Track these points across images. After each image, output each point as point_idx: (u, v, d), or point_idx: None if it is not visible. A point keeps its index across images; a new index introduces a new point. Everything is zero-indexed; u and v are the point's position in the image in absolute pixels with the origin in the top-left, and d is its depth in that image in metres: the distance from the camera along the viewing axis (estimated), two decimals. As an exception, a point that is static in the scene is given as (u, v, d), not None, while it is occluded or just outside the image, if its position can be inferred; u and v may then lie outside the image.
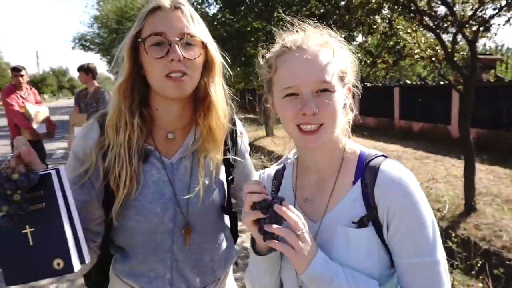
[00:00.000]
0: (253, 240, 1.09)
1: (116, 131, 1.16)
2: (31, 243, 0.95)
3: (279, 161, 1.28)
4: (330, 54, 1.00)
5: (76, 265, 0.99)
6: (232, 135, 1.40)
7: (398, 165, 1.03)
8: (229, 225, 1.46)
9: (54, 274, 0.97)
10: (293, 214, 0.94)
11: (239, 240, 1.52)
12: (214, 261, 1.34)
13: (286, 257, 1.10)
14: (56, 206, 0.96)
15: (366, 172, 1.03)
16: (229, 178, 1.39)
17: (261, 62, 1.11)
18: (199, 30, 1.16)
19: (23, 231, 0.95)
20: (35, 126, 5.68)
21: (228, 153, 1.36)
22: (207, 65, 1.21)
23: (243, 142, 1.46)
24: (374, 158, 1.05)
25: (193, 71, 1.15)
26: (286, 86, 0.99)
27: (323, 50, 0.99)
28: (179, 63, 1.10)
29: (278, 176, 1.23)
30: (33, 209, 0.94)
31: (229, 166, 1.39)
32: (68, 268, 0.98)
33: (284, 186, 1.20)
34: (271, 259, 1.07)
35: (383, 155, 1.08)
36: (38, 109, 5.82)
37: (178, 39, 1.10)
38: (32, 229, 0.95)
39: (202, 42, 1.16)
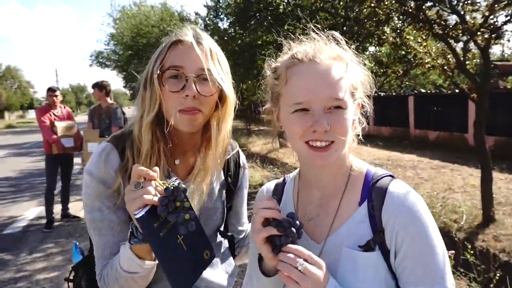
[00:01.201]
0: (260, 259, 1.03)
1: (146, 157, 1.17)
2: (185, 248, 1.03)
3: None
4: (343, 68, 0.95)
5: (214, 253, 1.13)
6: (236, 163, 1.42)
7: (406, 187, 0.98)
8: (227, 249, 1.45)
9: (206, 265, 1.10)
10: (287, 253, 0.90)
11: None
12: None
13: None
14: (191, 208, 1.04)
15: (373, 192, 0.98)
16: (228, 204, 1.40)
17: (268, 71, 1.07)
18: (218, 67, 1.17)
19: (178, 241, 1.02)
20: (62, 140, 6.04)
21: (229, 178, 1.38)
22: (221, 101, 1.21)
23: (244, 176, 1.48)
24: (381, 178, 1.01)
25: (206, 107, 1.16)
26: (297, 102, 0.94)
27: (335, 64, 0.95)
28: (193, 99, 1.11)
29: (278, 191, 1.19)
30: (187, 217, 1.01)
31: (229, 191, 1.40)
32: (213, 255, 1.12)
33: (284, 201, 1.15)
34: (278, 281, 1.00)
35: (390, 175, 1.03)
36: (66, 124, 6.24)
37: (195, 75, 1.11)
38: (182, 236, 1.02)
39: (221, 79, 1.17)
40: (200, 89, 1.12)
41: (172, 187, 0.97)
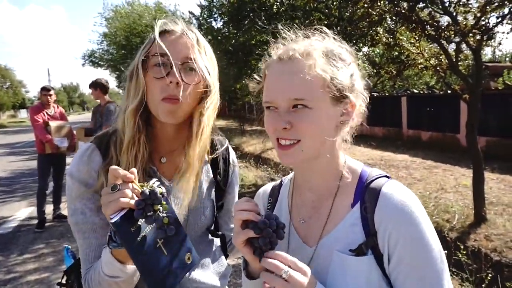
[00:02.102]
0: (244, 262, 1.02)
1: (127, 149, 1.15)
2: (165, 253, 1.00)
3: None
4: (312, 65, 0.91)
5: (196, 256, 1.09)
6: (225, 160, 1.39)
7: (402, 188, 0.94)
8: (219, 248, 1.42)
9: (188, 268, 1.06)
10: (272, 259, 0.87)
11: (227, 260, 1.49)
12: None
13: None
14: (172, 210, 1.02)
15: (366, 194, 0.95)
16: (219, 203, 1.38)
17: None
18: (204, 58, 1.16)
19: (157, 245, 0.99)
20: (56, 139, 6.00)
21: (218, 176, 1.35)
22: (205, 94, 1.19)
23: (235, 173, 1.44)
24: (375, 179, 0.97)
25: (190, 97, 1.13)
26: (265, 100, 0.96)
27: (305, 61, 0.91)
28: (176, 87, 1.09)
29: (275, 193, 1.17)
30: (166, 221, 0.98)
31: (219, 190, 1.37)
32: (195, 259, 1.08)
33: (279, 204, 1.14)
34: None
35: (385, 176, 0.99)
36: (60, 124, 6.20)
37: (180, 63, 1.10)
38: (162, 240, 1.00)
39: (206, 67, 1.15)
40: (184, 77, 1.11)
41: (149, 190, 0.95)
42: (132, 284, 1.10)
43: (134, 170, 0.98)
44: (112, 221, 0.92)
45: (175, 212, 1.03)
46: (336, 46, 0.98)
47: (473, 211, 5.05)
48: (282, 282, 0.84)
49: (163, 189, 0.97)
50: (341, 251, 0.93)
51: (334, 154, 1.01)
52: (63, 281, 1.36)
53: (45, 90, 6.28)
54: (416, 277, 0.86)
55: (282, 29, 1.02)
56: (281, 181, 1.20)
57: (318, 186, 1.03)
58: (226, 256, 1.45)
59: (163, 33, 1.14)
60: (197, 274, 1.29)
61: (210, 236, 1.37)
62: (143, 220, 0.95)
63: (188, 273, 1.24)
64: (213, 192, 1.35)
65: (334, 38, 1.01)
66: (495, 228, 4.77)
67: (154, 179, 1.01)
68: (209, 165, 1.35)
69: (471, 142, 4.99)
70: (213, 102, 1.22)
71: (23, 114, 69.38)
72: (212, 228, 1.38)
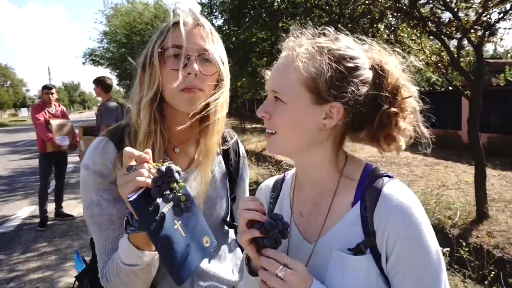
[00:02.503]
0: (247, 258, 1.03)
1: (144, 140, 1.15)
2: (183, 234, 0.99)
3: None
4: (293, 63, 0.91)
5: (214, 240, 1.09)
6: (236, 153, 1.41)
7: (403, 189, 0.93)
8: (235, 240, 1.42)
9: (206, 252, 1.06)
10: (268, 258, 0.88)
11: None
12: (218, 278, 1.29)
13: None
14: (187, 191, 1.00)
15: (367, 194, 0.94)
16: (232, 195, 1.39)
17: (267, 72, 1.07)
18: (218, 49, 1.19)
19: (175, 226, 0.98)
20: (57, 138, 5.99)
21: (230, 167, 1.37)
22: (219, 84, 1.21)
23: (245, 165, 1.46)
24: (377, 178, 0.96)
25: (207, 87, 1.16)
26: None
27: (289, 57, 0.94)
28: (195, 78, 1.12)
29: (277, 187, 1.18)
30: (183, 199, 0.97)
31: (232, 181, 1.39)
32: (213, 242, 1.08)
33: (281, 198, 1.15)
34: None
35: (387, 176, 0.97)
36: (61, 122, 6.20)
37: (197, 54, 1.13)
38: (179, 222, 0.99)
39: (221, 59, 1.19)
40: (201, 68, 1.13)
41: (165, 167, 0.94)
42: (150, 273, 1.10)
43: (149, 150, 0.98)
44: (130, 199, 0.91)
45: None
46: (342, 47, 0.94)
47: (475, 208, 5.05)
48: (278, 281, 0.86)
49: (178, 168, 0.96)
50: (340, 249, 0.93)
51: (330, 153, 1.00)
52: (75, 287, 1.35)
53: (46, 88, 6.27)
54: (413, 278, 0.87)
55: (285, 27, 1.06)
56: (284, 175, 1.21)
57: (318, 183, 1.03)
58: (242, 249, 1.44)
59: (176, 24, 1.15)
60: (214, 267, 1.29)
61: (225, 228, 1.37)
62: (161, 199, 0.94)
63: (205, 263, 1.26)
64: (227, 183, 1.37)
65: (351, 40, 1.00)
66: (497, 224, 4.76)
67: (169, 161, 1.01)
68: (221, 157, 1.37)
69: (473, 138, 4.98)
70: (227, 91, 1.25)
71: (24, 112, 69.47)
72: (228, 219, 1.38)
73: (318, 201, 1.03)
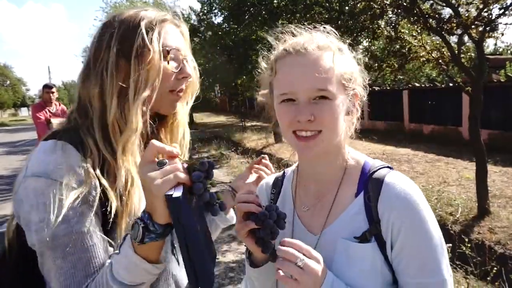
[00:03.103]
0: (248, 251, 1.05)
1: (135, 143, 1.05)
2: (205, 236, 0.93)
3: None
4: (330, 58, 0.95)
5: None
6: None
7: (404, 178, 0.98)
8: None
9: (214, 260, 1.00)
10: (287, 247, 0.87)
11: (231, 256, 1.43)
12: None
13: None
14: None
15: (369, 184, 0.98)
16: None
17: (263, 64, 1.07)
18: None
19: (203, 227, 0.93)
20: None
21: None
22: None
23: None
24: (378, 170, 1.00)
25: (187, 89, 1.16)
26: (283, 92, 0.96)
27: (323, 54, 0.95)
28: (185, 81, 1.11)
29: (278, 184, 1.19)
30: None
31: None
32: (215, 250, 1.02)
33: (283, 194, 1.16)
34: (269, 271, 1.02)
35: (388, 167, 1.02)
36: (62, 121, 6.07)
37: (185, 57, 1.11)
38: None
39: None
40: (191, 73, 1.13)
41: (207, 161, 0.87)
42: None
43: (176, 145, 0.92)
44: (175, 196, 0.80)
45: None
46: (339, 40, 1.02)
47: (477, 204, 5.04)
48: (298, 270, 0.85)
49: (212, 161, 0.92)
50: (345, 238, 0.96)
51: (341, 145, 1.04)
52: None
53: (47, 87, 6.31)
54: (417, 264, 0.90)
55: (284, 24, 1.04)
56: (284, 172, 1.22)
57: (323, 177, 1.05)
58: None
59: (163, 21, 1.09)
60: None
61: None
62: (200, 196, 0.85)
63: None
64: None
65: (334, 33, 1.03)
66: (498, 220, 4.76)
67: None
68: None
69: (474, 135, 4.97)
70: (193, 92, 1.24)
71: (24, 112, 69.47)
72: None
73: (321, 195, 1.05)
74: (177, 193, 0.80)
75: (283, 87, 0.96)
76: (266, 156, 1.09)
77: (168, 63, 1.06)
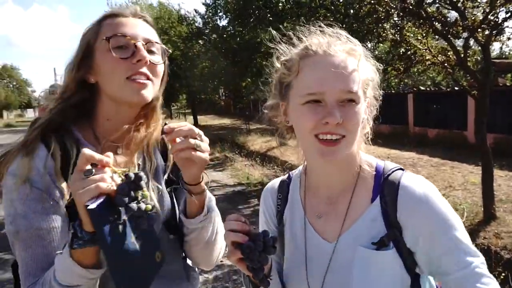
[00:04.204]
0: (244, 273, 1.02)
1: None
2: (138, 248, 0.89)
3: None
4: (356, 63, 0.93)
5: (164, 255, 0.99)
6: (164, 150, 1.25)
7: (419, 179, 0.97)
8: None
9: (157, 269, 0.95)
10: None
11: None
12: None
13: (294, 280, 1.05)
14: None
15: (385, 188, 0.97)
16: (176, 196, 1.22)
17: (277, 63, 1.02)
18: (159, 40, 1.14)
19: (132, 240, 0.88)
20: None
21: (168, 162, 1.22)
22: (164, 74, 1.17)
23: None
24: (392, 172, 0.99)
25: (156, 77, 1.10)
26: (310, 92, 0.91)
27: (349, 58, 0.93)
28: (144, 66, 1.05)
29: (284, 188, 1.16)
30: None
31: (172, 182, 1.22)
32: (163, 258, 0.97)
33: (291, 200, 1.13)
34: None
35: (400, 168, 1.01)
36: None
37: (144, 43, 1.06)
38: (135, 234, 0.88)
39: (165, 50, 1.15)
40: (149, 57, 1.06)
41: (134, 174, 0.85)
42: None
43: (111, 154, 0.87)
44: (91, 207, 0.79)
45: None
46: (362, 47, 1.00)
47: (482, 209, 5.00)
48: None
49: (143, 175, 0.88)
50: (364, 245, 0.94)
51: (356, 152, 1.02)
52: None
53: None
54: (452, 261, 0.89)
55: (288, 28, 1.03)
56: (289, 176, 1.19)
57: (336, 183, 1.03)
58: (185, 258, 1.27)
59: (114, 16, 1.09)
60: (163, 285, 1.13)
61: (170, 236, 1.19)
62: (124, 209, 0.84)
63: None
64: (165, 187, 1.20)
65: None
66: (505, 225, 4.71)
67: (129, 167, 0.91)
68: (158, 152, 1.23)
69: (481, 138, 4.93)
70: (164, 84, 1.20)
71: (30, 113, 69.95)
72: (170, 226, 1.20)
73: (334, 201, 1.03)
74: (94, 204, 0.79)
75: (310, 87, 0.92)
76: (167, 125, 0.97)
77: (111, 51, 1.02)
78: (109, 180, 0.83)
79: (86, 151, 0.84)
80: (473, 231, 4.75)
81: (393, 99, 13.92)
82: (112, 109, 1.10)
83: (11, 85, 62.57)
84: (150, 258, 0.93)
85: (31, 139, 1.04)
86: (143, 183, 0.86)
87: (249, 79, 11.04)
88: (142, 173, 0.86)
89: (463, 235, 0.92)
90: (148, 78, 1.06)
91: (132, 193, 0.85)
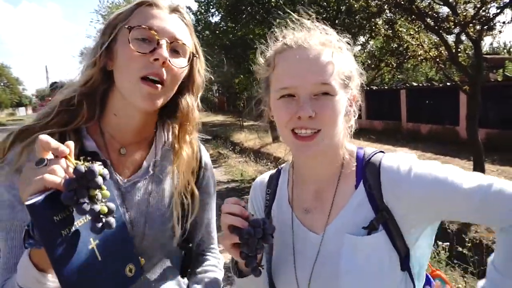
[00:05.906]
0: (233, 260, 1.01)
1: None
2: (99, 258, 0.79)
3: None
4: (331, 54, 0.91)
5: (140, 269, 0.89)
6: (197, 161, 1.19)
7: (399, 156, 0.96)
8: (179, 262, 1.20)
9: (129, 284, 0.85)
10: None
11: (229, 255, 1.35)
12: None
13: (282, 275, 1.04)
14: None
15: (367, 172, 0.96)
16: (189, 212, 1.15)
17: (260, 59, 1.02)
18: (191, 41, 1.05)
19: (89, 246, 0.77)
20: None
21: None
22: (190, 81, 1.09)
23: (206, 178, 1.22)
24: (372, 156, 0.99)
25: (172, 82, 1.00)
26: (282, 86, 0.91)
27: (324, 50, 0.91)
28: (161, 66, 0.95)
29: (273, 183, 1.15)
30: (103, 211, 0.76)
31: (191, 195, 1.16)
32: (139, 271, 0.87)
33: (279, 195, 1.12)
34: (256, 281, 0.98)
35: (380, 151, 1.01)
36: None
37: (168, 41, 0.97)
38: (96, 241, 0.79)
39: (192, 54, 1.05)
40: (171, 58, 0.97)
41: (85, 167, 0.72)
42: None
43: (71, 143, 0.77)
44: (29, 202, 0.68)
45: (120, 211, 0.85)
46: (339, 38, 0.99)
47: (474, 203, 5.03)
48: None
49: (104, 170, 0.75)
50: (351, 233, 0.93)
51: (340, 146, 1.01)
52: None
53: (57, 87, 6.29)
54: (459, 209, 0.87)
55: (285, 18, 1.00)
56: (279, 169, 1.18)
57: (322, 176, 1.03)
58: (184, 276, 1.21)
59: (149, 5, 0.99)
60: None
61: (176, 251, 1.16)
62: (74, 208, 0.72)
63: None
64: (183, 197, 1.13)
65: (335, 31, 1.00)
66: (496, 219, 4.75)
67: (99, 162, 0.77)
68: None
69: (472, 133, 4.97)
70: (197, 92, 1.12)
71: (22, 112, 69.26)
72: (177, 241, 1.13)
73: (320, 194, 1.03)
74: (33, 199, 0.69)
75: (283, 81, 0.92)
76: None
77: (129, 42, 0.94)
78: (61, 173, 0.72)
79: (43, 136, 0.73)
80: (465, 226, 4.79)
81: (386, 95, 13.97)
82: (120, 104, 1.03)
83: (1, 84, 61.84)
84: (116, 270, 0.82)
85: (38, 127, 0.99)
86: (99, 179, 0.73)
87: (242, 76, 11.01)
88: (96, 167, 0.73)
89: (457, 175, 0.87)
90: (162, 82, 0.97)
91: (86, 190, 0.72)
